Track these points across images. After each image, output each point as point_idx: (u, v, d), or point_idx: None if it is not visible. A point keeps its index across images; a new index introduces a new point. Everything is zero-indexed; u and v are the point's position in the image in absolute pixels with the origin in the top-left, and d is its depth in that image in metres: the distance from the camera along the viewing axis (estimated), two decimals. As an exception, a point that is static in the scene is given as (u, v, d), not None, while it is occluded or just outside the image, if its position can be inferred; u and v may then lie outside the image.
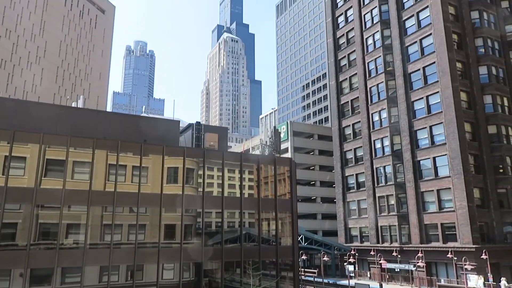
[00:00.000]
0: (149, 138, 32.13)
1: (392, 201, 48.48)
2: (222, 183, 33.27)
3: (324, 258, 43.50)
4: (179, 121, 40.61)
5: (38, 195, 26.32)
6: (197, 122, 41.25)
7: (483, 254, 35.78)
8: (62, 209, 26.88)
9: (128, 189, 29.47)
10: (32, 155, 26.90)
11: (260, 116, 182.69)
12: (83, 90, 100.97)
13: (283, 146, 70.89)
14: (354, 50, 58.08)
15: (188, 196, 31.45)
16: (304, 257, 46.08)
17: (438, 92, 45.32)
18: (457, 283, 38.89)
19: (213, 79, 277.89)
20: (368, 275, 48.98)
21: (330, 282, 43.36)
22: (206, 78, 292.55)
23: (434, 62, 46.23)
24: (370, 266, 49.88)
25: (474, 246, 38.75)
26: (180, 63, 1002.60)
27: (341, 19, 62.35)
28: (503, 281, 34.30)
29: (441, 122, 44.43)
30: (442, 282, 40.46)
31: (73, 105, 47.89)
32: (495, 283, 35.78)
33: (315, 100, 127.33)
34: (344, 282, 41.90)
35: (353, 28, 58.97)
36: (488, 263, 36.04)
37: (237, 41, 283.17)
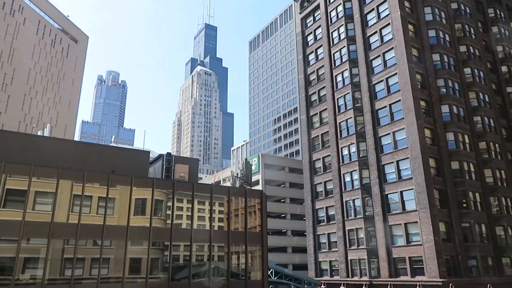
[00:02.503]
0: (117, 168, 31.37)
1: (362, 235, 48.84)
2: (191, 215, 32.62)
3: (294, 293, 42.74)
4: (149, 152, 40.01)
5: (-6, 226, 24.88)
6: (167, 153, 40.76)
7: (450, 288, 36.28)
8: (20, 242, 25.45)
9: (93, 221, 28.37)
10: (-9, 184, 25.62)
11: (232, 148, 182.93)
12: (51, 118, 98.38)
13: (254, 178, 70.80)
14: (324, 86, 59.97)
15: (156, 228, 30.58)
16: (274, 292, 45.09)
17: (404, 128, 47.08)
18: (426, 318, 38.96)
19: (185, 111, 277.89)
20: (338, 311, 48.33)
21: (300, 318, 42.41)
22: (178, 110, 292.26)
23: (399, 100, 48.29)
24: (340, 301, 49.36)
25: (441, 280, 39.26)
26: (152, 94, 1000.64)
27: (311, 56, 64.64)
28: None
29: (407, 157, 45.90)
30: (411, 317, 40.43)
31: (39, 134, 46.46)
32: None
33: (287, 133, 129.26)
34: (314, 318, 41.08)
35: (323, 66, 61.16)
36: (454, 297, 36.47)
37: (210, 74, 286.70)
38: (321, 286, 47.81)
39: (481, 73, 55.94)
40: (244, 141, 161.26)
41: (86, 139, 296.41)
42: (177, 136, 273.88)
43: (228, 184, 71.88)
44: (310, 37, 65.73)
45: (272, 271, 48.44)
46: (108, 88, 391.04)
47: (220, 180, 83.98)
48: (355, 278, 48.40)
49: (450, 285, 36.62)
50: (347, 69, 56.13)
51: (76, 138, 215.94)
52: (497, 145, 52.24)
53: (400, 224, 45.05)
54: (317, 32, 64.20)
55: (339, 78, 57.46)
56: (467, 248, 43.68)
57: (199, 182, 45.58)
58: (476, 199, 46.69)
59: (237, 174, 52.35)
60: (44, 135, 45.53)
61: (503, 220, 47.60)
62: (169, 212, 31.76)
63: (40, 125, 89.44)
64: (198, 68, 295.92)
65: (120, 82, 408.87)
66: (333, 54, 59.50)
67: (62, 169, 27.99)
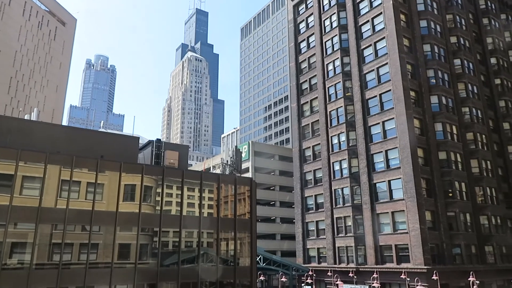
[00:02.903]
0: (106, 154, 31.15)
1: (349, 222, 49.50)
2: (181, 202, 32.66)
3: (282, 279, 43.33)
4: (138, 138, 39.76)
5: (-19, 211, 24.63)
6: (157, 139, 40.55)
7: (434, 275, 37.11)
8: (7, 227, 25.26)
9: (82, 207, 28.26)
10: (-23, 168, 25.28)
11: (222, 135, 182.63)
12: (38, 102, 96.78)
13: (244, 166, 70.93)
14: (315, 75, 59.93)
15: (145, 214, 30.59)
16: (262, 278, 45.68)
17: (393, 118, 47.45)
18: (410, 304, 39.89)
19: (175, 97, 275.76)
20: (325, 297, 49.20)
21: (288, 304, 43.09)
22: (168, 96, 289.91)
23: (389, 90, 48.54)
24: (327, 286, 50.21)
25: (425, 267, 40.13)
26: (142, 80, 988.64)
27: (303, 44, 64.38)
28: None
29: (396, 147, 46.37)
30: (396, 303, 41.36)
31: (26, 118, 45.69)
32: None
33: (277, 122, 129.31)
34: (301, 303, 41.77)
35: (314, 54, 60.99)
36: (438, 284, 37.34)
37: (201, 60, 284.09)
38: (309, 273, 48.52)
39: (471, 64, 56.43)
40: (234, 128, 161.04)
41: (74, 124, 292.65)
42: (167, 122, 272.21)
43: (218, 171, 71.94)
44: (302, 25, 65.37)
45: (260, 257, 48.95)
46: (97, 72, 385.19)
47: (210, 167, 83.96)
48: (342, 265, 49.20)
49: (434, 272, 37.45)
50: (338, 58, 56.09)
51: (64, 122, 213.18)
52: (484, 136, 53.02)
53: (387, 212, 45.73)
54: (309, 19, 63.84)
55: (330, 67, 57.45)
56: (451, 236, 44.60)
57: (189, 169, 45.46)
58: (462, 188, 47.53)
59: (227, 161, 52.42)
60: (31, 119, 44.86)
61: (487, 210, 48.61)
62: (158, 198, 31.76)
63: (27, 109, 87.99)
64: (189, 54, 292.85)
65: (109, 66, 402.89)
66: (325, 42, 59.33)
67: (50, 154, 27.70)
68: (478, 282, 34.90)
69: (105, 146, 33.24)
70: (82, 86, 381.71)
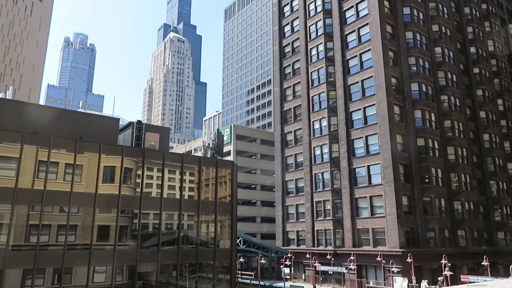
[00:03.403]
0: (85, 135, 30.60)
1: (329, 206, 50.37)
2: (161, 184, 32.54)
3: (261, 261, 44.03)
4: (118, 119, 39.10)
5: (-46, 191, 24.00)
6: (138, 120, 39.98)
7: (408, 257, 38.33)
8: (-18, 207, 24.71)
9: (60, 188, 27.83)
10: (-50, 147, 24.49)
11: (204, 118, 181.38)
12: (14, 80, 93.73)
13: (225, 149, 70.90)
14: (299, 59, 59.80)
15: (125, 196, 30.37)
16: (241, 259, 46.30)
17: (374, 104, 48.00)
18: (384, 285, 41.24)
19: (157, 78, 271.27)
20: (303, 278, 50.34)
21: (266, 284, 43.95)
22: (149, 77, 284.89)
23: (371, 76, 48.93)
24: (306, 268, 51.33)
25: (400, 250, 41.37)
26: (123, 60, 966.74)
27: (287, 28, 63.95)
28: (424, 283, 36.90)
29: (376, 133, 47.06)
30: (371, 284, 42.70)
31: (1, 96, 44.19)
32: (417, 285, 38.41)
33: (259, 105, 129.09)
34: (280, 284, 42.67)
35: (298, 38, 60.73)
36: (412, 266, 38.62)
37: (183, 42, 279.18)
38: (288, 255, 49.42)
39: (451, 53, 57.29)
40: (216, 111, 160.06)
41: (52, 103, 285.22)
42: (148, 104, 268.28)
43: (199, 154, 71.66)
44: (287, 8, 64.79)
45: (240, 240, 49.54)
46: (76, 51, 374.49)
47: (191, 150, 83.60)
48: (321, 248, 50.23)
49: (409, 255, 38.67)
50: (322, 43, 56.03)
51: (42, 102, 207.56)
52: (461, 124, 54.31)
53: (366, 197, 46.69)
54: (294, 3, 63.31)
55: (314, 52, 57.38)
56: (426, 220, 45.98)
57: (170, 151, 45.03)
58: (438, 174, 48.83)
59: (209, 144, 52.24)
60: (7, 97, 43.47)
61: (461, 195, 50.20)
62: (138, 180, 31.54)
63: (1, 87, 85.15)
64: (171, 34, 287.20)
65: (88, 45, 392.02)
66: (309, 27, 59.07)
67: (27, 134, 27.03)
68: (450, 264, 36.23)
69: (84, 127, 32.61)
70: (60, 65, 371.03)
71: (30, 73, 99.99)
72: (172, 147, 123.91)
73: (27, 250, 26.12)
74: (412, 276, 38.72)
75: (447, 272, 34.13)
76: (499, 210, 55.45)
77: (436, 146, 49.83)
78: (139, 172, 31.71)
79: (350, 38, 53.13)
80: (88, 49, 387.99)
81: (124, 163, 30.61)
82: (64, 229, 27.40)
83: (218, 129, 69.44)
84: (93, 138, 30.46)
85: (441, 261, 36.08)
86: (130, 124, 40.23)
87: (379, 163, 46.01)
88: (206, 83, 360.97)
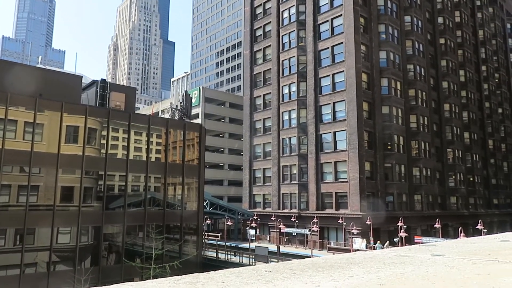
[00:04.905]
0: (45, 92, 29.22)
1: (295, 171, 51.47)
2: (127, 146, 31.96)
3: (228, 223, 44.95)
4: (81, 77, 37.51)
5: None
6: (102, 79, 38.50)
7: (368, 220, 40.29)
8: None
9: (19, 147, 26.78)
10: None
11: (172, 79, 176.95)
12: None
13: (194, 112, 69.97)
14: (270, 22, 58.70)
15: (89, 157, 29.70)
16: (208, 221, 47.10)
17: (343, 71, 48.37)
18: (344, 246, 43.41)
19: (122, 35, 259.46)
20: (268, 239, 52.02)
21: (232, 245, 45.13)
22: (114, 33, 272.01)
23: (342, 43, 48.95)
24: (270, 230, 52.94)
25: (361, 213, 43.33)
26: (86, 14, 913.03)
27: (260, -12, 62.10)
28: (378, 244, 39.14)
29: (343, 100, 47.76)
30: (332, 245, 44.81)
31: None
32: (375, 245, 40.69)
33: (229, 68, 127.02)
34: (245, 245, 43.95)
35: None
36: (371, 228, 40.69)
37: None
38: (254, 217, 50.65)
39: (419, 22, 57.94)
40: (185, 72, 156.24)
41: (7, 57, 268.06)
42: (113, 62, 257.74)
43: (167, 116, 70.45)
44: (260, -33, 62.61)
45: (207, 202, 50.09)
46: (33, 1, 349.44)
47: (158, 112, 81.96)
48: (286, 210, 51.73)
49: (368, 217, 40.64)
50: (294, 5, 55.02)
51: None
52: (424, 93, 55.96)
53: (331, 162, 47.97)
54: (267, -38, 61.21)
55: (286, 15, 56.39)
56: (386, 185, 48.09)
57: (136, 112, 43.95)
58: (399, 142, 50.64)
59: (177, 106, 51.32)
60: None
61: (420, 162, 52.58)
62: (103, 141, 30.81)
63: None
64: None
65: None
66: (282, -12, 57.64)
67: (-19, 89, 25.49)
68: (405, 226, 38.47)
69: (44, 83, 31.05)
70: (16, 16, 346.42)
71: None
72: (139, 108, 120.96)
73: (-15, 211, 25.34)
74: (371, 238, 40.88)
75: (403, 234, 36.29)
76: (453, 177, 58.71)
77: (400, 114, 51.32)
78: (104, 133, 30.92)
79: (322, 2, 52.45)
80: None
81: (88, 123, 29.69)
82: (26, 190, 26.66)
83: (186, 91, 68.11)
84: (54, 96, 29.16)
85: (398, 224, 38.20)
86: (94, 82, 38.70)
87: (345, 130, 47.03)
88: (174, 43, 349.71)
